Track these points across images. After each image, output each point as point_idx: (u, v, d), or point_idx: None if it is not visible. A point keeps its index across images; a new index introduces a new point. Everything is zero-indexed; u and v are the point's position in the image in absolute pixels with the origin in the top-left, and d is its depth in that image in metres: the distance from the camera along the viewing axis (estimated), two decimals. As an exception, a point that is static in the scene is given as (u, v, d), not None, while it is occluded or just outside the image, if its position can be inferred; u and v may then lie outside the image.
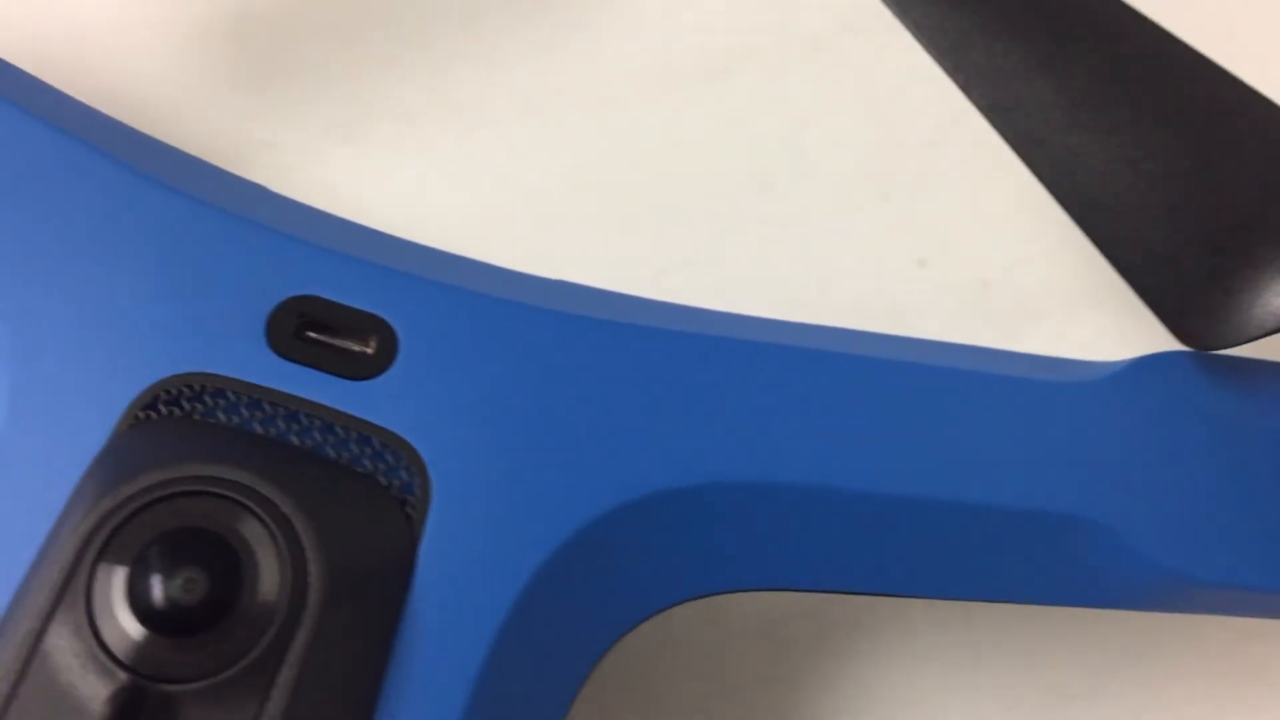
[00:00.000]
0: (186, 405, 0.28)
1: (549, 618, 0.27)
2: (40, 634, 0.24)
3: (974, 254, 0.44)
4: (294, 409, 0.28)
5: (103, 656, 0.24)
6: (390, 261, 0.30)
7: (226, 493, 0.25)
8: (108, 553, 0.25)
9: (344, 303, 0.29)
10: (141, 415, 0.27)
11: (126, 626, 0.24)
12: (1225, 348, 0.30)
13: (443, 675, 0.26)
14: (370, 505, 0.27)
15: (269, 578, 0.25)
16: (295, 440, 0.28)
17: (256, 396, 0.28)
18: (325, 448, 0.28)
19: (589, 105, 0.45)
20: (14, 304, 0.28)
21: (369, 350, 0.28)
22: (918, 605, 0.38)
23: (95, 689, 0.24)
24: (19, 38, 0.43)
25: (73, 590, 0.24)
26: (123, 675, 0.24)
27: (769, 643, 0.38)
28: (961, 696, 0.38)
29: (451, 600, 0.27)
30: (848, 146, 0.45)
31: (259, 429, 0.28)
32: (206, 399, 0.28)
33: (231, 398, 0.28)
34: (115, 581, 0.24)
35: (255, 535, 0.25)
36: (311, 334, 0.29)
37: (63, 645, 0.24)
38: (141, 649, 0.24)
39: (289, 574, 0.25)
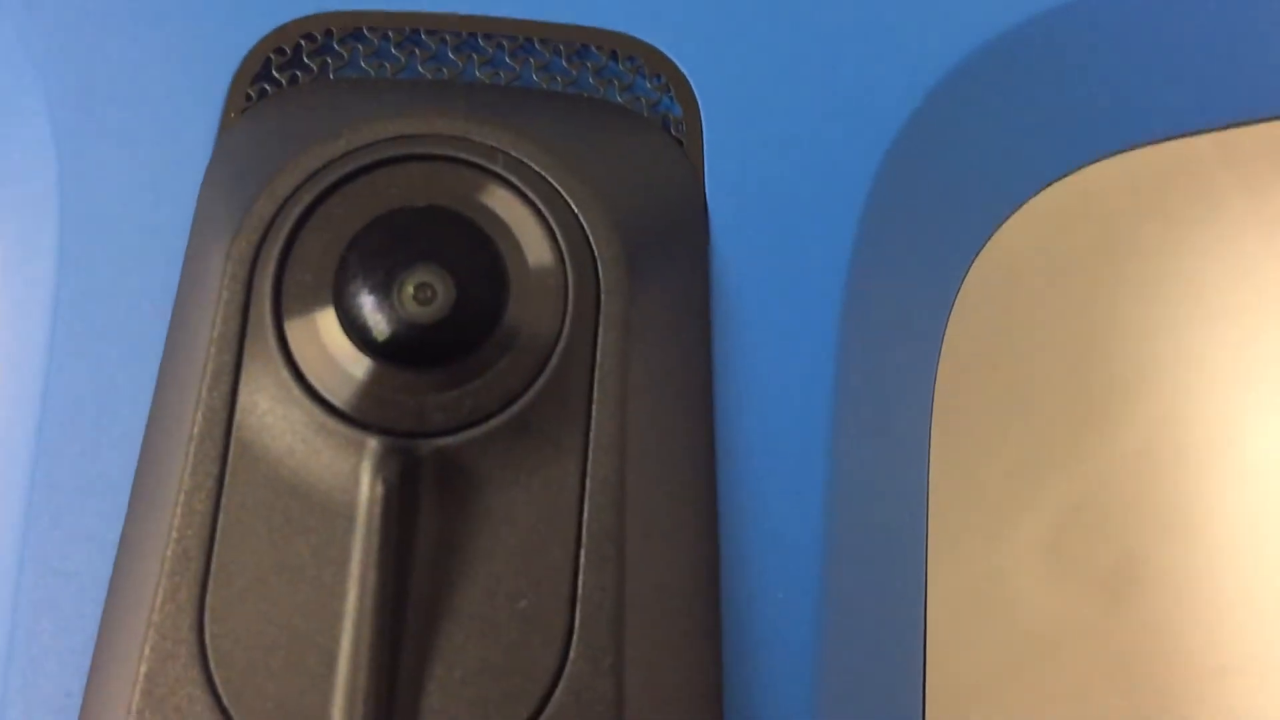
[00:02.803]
0: (311, 63, 0.19)
1: (907, 223, 0.19)
2: (230, 400, 0.16)
3: None
4: (469, 32, 0.19)
5: (328, 418, 0.16)
6: None
7: (431, 151, 0.17)
8: (292, 273, 0.16)
9: None
10: (252, 94, 0.19)
11: (349, 368, 0.16)
12: None
13: (798, 332, 0.18)
14: (627, 136, 0.18)
15: (538, 255, 0.16)
16: (481, 76, 0.19)
17: (408, 26, 0.19)
18: (529, 77, 0.19)
19: None
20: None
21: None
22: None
23: (332, 464, 0.16)
24: None
25: (257, 334, 0.16)
26: (370, 439, 0.16)
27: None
28: None
29: (771, 244, 0.18)
30: None
31: (427, 73, 0.19)
32: (338, 48, 0.19)
33: (372, 38, 0.19)
34: (316, 313, 0.16)
35: (497, 202, 0.16)
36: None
37: (264, 408, 0.16)
38: (382, 394, 0.16)
39: (567, 248, 0.16)
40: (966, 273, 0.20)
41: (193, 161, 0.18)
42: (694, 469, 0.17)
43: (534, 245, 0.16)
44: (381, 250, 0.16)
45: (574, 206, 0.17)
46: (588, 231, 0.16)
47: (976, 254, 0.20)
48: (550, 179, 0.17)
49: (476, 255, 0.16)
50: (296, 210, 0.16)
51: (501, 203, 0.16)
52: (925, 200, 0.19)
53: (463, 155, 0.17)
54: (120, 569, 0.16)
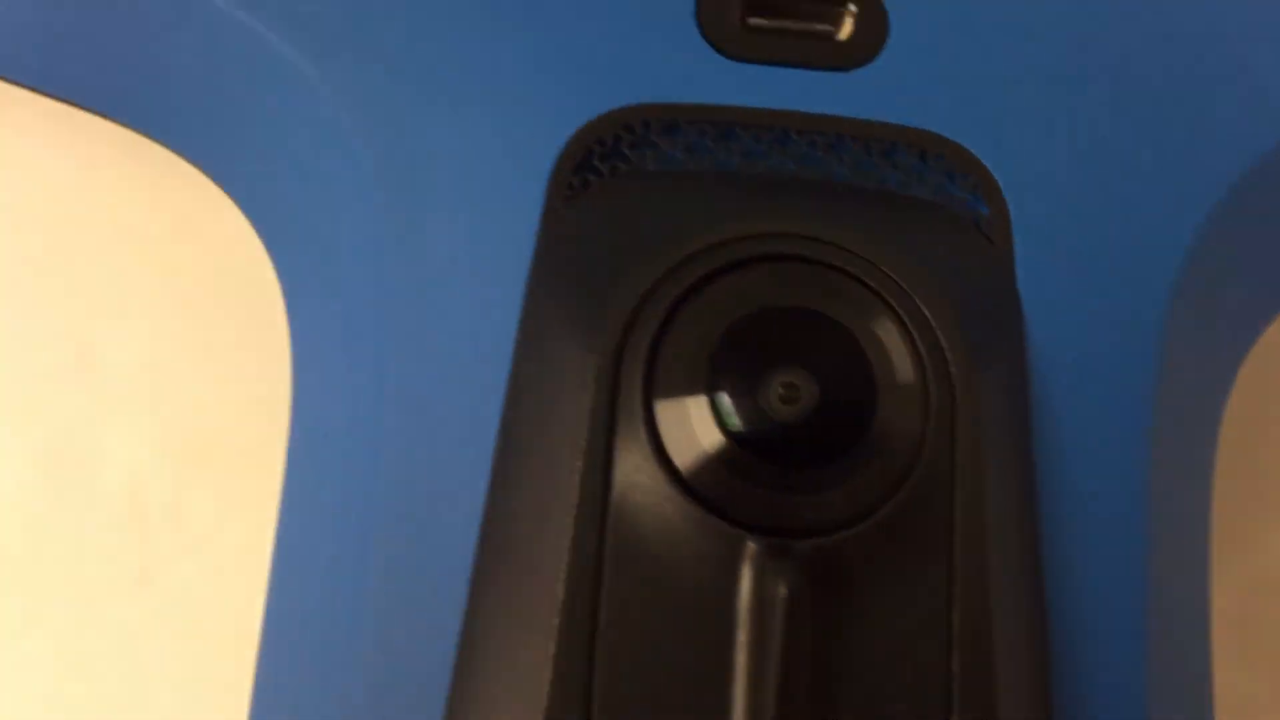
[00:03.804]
0: (631, 155, 0.19)
1: (1209, 310, 0.20)
2: (603, 496, 0.16)
3: None
4: (782, 127, 0.19)
5: (706, 515, 0.16)
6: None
7: (789, 251, 0.17)
8: (658, 368, 0.17)
9: (797, -33, 0.20)
10: (576, 183, 0.19)
11: (724, 467, 0.16)
12: None
13: (1111, 423, 0.18)
14: (946, 235, 0.19)
15: (899, 356, 0.17)
16: (793, 168, 0.19)
17: (724, 120, 0.19)
18: (839, 172, 0.19)
19: None
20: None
21: (843, 28, 0.20)
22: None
23: (709, 561, 0.16)
24: None
25: (628, 431, 0.16)
26: (748, 538, 0.16)
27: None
28: None
29: (1081, 340, 0.19)
30: None
31: (741, 164, 0.19)
32: (657, 139, 0.19)
33: (690, 131, 0.19)
34: (686, 409, 0.16)
35: (854, 303, 0.17)
36: (758, 20, 0.20)
37: (638, 504, 0.16)
38: (758, 493, 0.16)
39: (925, 350, 0.17)
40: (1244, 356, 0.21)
41: (517, 247, 0.19)
42: (1032, 560, 0.17)
43: (893, 346, 0.17)
44: (748, 349, 0.16)
45: (924, 308, 0.17)
46: (938, 332, 0.17)
47: (1258, 337, 0.21)
48: (900, 280, 0.17)
49: (843, 357, 0.16)
50: (661, 306, 0.17)
51: (859, 304, 0.17)
52: (1228, 285, 0.20)
53: (819, 257, 0.17)
54: (479, 656, 0.17)
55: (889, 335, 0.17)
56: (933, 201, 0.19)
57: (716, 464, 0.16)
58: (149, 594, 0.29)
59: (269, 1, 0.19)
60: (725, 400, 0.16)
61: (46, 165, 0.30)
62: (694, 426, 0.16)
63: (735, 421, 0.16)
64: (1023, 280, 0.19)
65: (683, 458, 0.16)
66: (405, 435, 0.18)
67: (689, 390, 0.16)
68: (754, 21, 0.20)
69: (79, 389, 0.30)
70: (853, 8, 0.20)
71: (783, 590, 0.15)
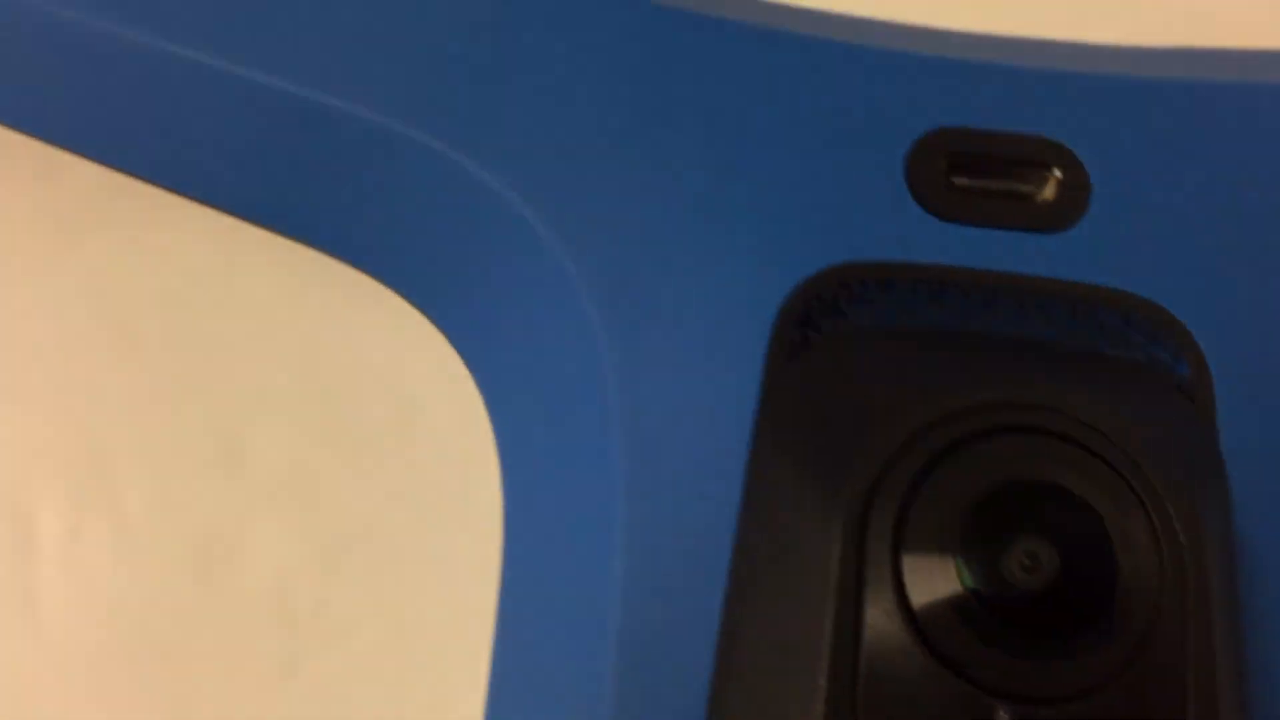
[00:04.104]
0: (849, 311, 0.20)
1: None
2: (854, 661, 0.17)
3: None
4: (992, 286, 0.20)
5: (958, 683, 0.17)
6: (1030, 60, 0.21)
7: (1032, 423, 0.18)
8: (907, 537, 0.17)
9: (998, 129, 0.21)
10: (797, 338, 0.20)
11: (971, 635, 0.17)
12: None
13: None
14: (1162, 401, 0.19)
15: (1135, 527, 0.17)
16: (1002, 326, 0.20)
17: (938, 279, 0.20)
18: (1046, 331, 0.20)
19: None
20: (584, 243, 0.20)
21: (1046, 191, 0.21)
22: None
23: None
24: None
25: (877, 597, 0.17)
26: (999, 708, 0.17)
27: None
28: None
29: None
30: None
31: (950, 322, 0.20)
32: (874, 295, 0.20)
33: (905, 289, 0.20)
34: (932, 577, 0.17)
35: (1096, 479, 0.18)
36: (963, 180, 0.21)
37: (886, 669, 0.17)
38: (1003, 662, 0.17)
39: (1158, 524, 0.17)
40: None
41: (740, 400, 0.19)
42: (1244, 703, 0.18)
43: (1130, 518, 0.17)
44: (992, 518, 0.17)
45: (1155, 480, 0.18)
46: (1167, 503, 0.18)
47: None
48: (1134, 455, 0.18)
49: (1083, 528, 0.17)
50: (908, 472, 0.17)
51: (1097, 477, 0.18)
52: None
53: (1058, 429, 0.18)
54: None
55: (1126, 507, 0.17)
56: (1138, 362, 0.20)
57: (964, 629, 0.17)
58: (295, 687, 0.29)
59: (511, 166, 0.20)
60: (970, 567, 0.17)
61: (195, 260, 0.31)
62: (940, 591, 0.17)
63: (979, 587, 0.17)
64: (1224, 438, 0.20)
65: (930, 621, 0.17)
66: (632, 585, 0.19)
67: (936, 555, 0.17)
68: (958, 181, 0.21)
69: (227, 484, 0.30)
70: (1057, 172, 0.20)
71: None
